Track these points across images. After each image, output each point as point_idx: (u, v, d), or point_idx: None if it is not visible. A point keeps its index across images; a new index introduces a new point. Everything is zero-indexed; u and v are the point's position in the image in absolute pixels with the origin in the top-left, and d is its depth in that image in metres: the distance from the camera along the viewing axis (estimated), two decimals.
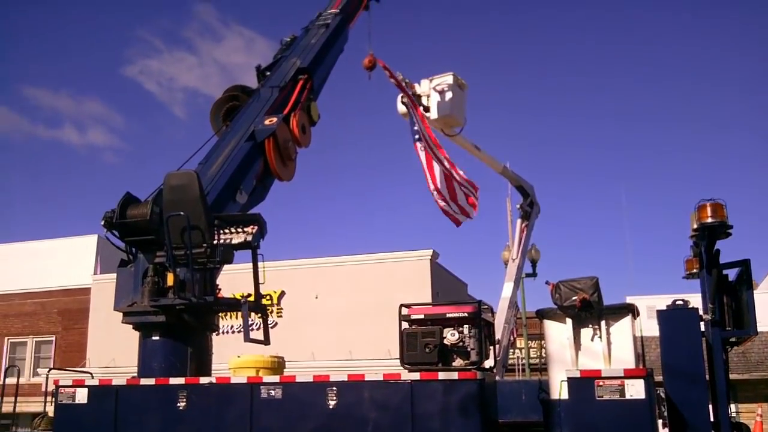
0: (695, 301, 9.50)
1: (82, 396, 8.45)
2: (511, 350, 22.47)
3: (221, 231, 8.55)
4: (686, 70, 67.67)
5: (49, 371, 18.99)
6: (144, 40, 73.27)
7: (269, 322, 9.55)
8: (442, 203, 10.50)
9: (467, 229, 68.33)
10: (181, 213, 8.26)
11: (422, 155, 10.25)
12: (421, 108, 10.33)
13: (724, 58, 66.32)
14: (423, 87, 10.54)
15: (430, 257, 26.95)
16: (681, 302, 9.11)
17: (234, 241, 8.53)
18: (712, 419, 8.83)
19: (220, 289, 9.08)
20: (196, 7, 75.92)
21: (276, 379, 8.01)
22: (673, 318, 9.03)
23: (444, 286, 27.70)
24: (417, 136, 10.30)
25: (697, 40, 67.00)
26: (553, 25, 72.39)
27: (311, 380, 7.67)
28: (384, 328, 22.54)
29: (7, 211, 66.22)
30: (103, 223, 8.85)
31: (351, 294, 27.14)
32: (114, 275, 9.25)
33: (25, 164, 69.83)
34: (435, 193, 10.39)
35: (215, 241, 8.48)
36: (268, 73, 11.53)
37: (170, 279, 8.57)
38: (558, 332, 8.47)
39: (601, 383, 7.29)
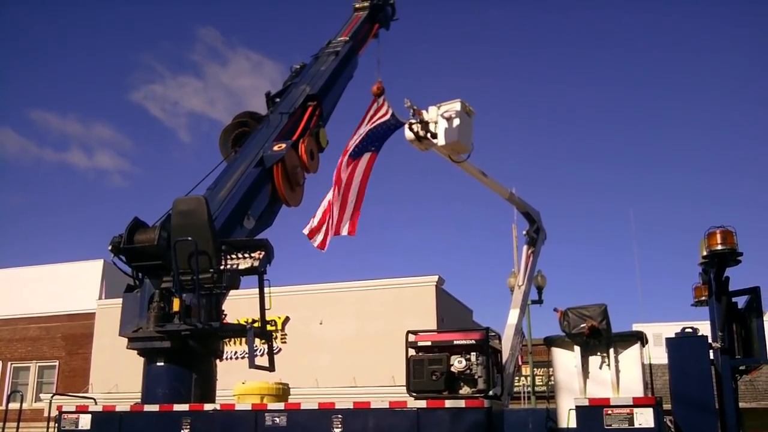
0: (704, 328, 9.44)
1: (85, 422, 8.40)
2: (516, 378, 22.26)
3: (228, 256, 8.54)
4: (700, 87, 67.79)
5: (52, 396, 18.85)
6: (147, 65, 73.97)
7: (273, 349, 9.51)
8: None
9: (473, 255, 68.23)
10: (189, 238, 8.27)
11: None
12: (429, 134, 10.38)
13: (743, 75, 66.41)
14: (431, 113, 10.55)
15: (435, 283, 26.87)
16: (690, 330, 9.06)
17: (241, 267, 8.51)
18: None
19: (225, 315, 9.06)
20: (198, 30, 76.70)
21: (281, 406, 7.93)
22: (682, 346, 8.98)
23: (449, 312, 27.58)
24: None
25: (712, 57, 67.20)
26: (559, 43, 72.99)
27: (316, 407, 7.61)
28: (389, 355, 22.44)
29: (13, 235, 66.46)
30: (110, 248, 8.86)
31: (355, 320, 27.03)
32: (119, 300, 9.25)
33: (31, 187, 70.24)
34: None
35: (222, 267, 8.47)
36: (277, 100, 11.65)
37: (176, 304, 8.55)
38: (566, 360, 8.42)
39: (609, 412, 7.21)
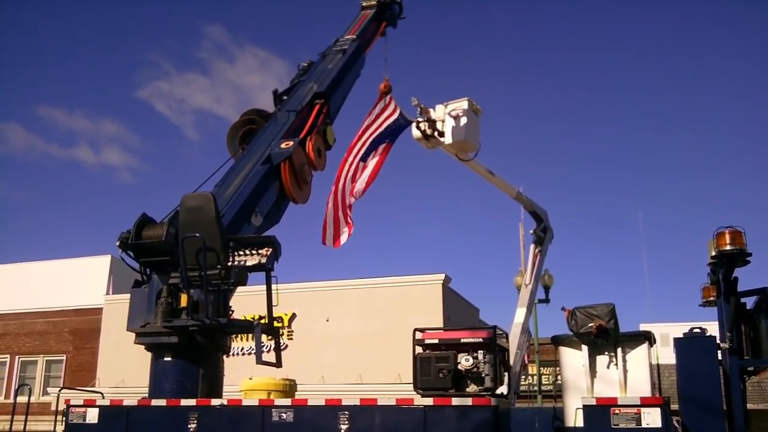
0: (712, 329, 9.40)
1: (92, 416, 8.43)
2: (523, 376, 22.23)
3: (236, 253, 8.56)
4: (709, 90, 67.42)
5: (59, 390, 18.98)
6: (154, 62, 74.08)
7: (280, 345, 9.52)
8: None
9: (479, 254, 68.15)
10: (197, 234, 8.29)
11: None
12: (436, 133, 10.37)
13: (751, 77, 66.00)
14: (438, 112, 10.54)
15: (442, 281, 26.85)
16: (698, 330, 9.01)
17: (248, 263, 8.53)
18: None
19: (232, 311, 9.08)
20: (206, 28, 76.70)
21: (288, 402, 7.95)
22: (690, 346, 8.94)
23: (456, 310, 27.57)
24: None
25: (721, 59, 66.80)
26: (569, 44, 72.71)
27: (323, 404, 7.61)
28: (395, 353, 22.43)
29: (21, 230, 66.75)
30: (118, 243, 8.89)
31: (362, 317, 27.05)
32: (126, 296, 9.27)
33: (38, 183, 70.52)
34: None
35: (230, 263, 8.49)
36: (284, 98, 11.66)
37: (184, 300, 8.57)
38: (574, 359, 8.41)
39: (617, 411, 7.20)
